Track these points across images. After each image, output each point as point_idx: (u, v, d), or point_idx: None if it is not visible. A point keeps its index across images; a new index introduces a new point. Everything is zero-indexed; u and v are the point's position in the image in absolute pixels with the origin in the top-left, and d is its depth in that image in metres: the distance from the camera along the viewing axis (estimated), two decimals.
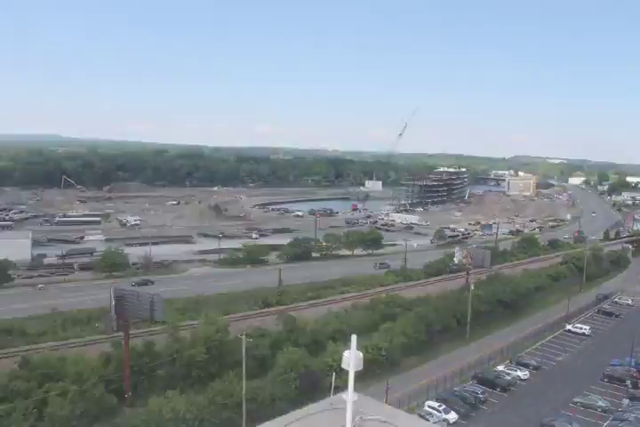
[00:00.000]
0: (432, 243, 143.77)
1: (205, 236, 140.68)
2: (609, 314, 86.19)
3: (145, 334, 55.73)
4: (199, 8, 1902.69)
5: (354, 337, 5.48)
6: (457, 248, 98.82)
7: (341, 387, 5.20)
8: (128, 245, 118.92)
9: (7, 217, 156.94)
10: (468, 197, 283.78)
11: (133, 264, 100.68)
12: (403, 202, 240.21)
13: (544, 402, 53.19)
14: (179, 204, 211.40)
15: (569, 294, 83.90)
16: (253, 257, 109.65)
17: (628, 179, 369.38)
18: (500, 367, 61.76)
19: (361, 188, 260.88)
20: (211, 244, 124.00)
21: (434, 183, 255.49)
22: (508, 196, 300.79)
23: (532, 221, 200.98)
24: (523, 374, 60.47)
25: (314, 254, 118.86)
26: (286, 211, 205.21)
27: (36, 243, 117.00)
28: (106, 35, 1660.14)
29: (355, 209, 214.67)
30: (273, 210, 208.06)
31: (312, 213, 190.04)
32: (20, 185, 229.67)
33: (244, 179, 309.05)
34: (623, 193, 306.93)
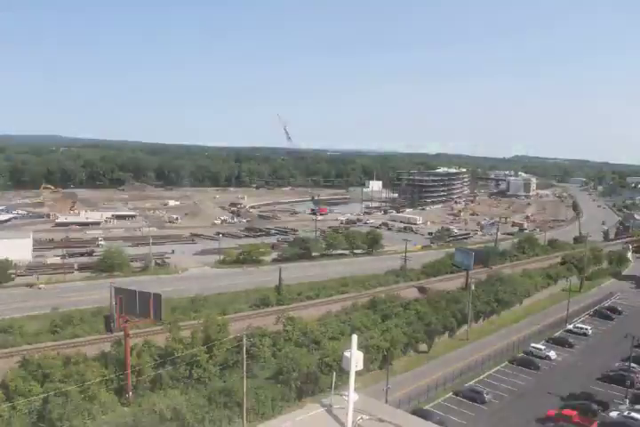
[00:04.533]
0: (432, 243, 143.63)
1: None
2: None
3: (145, 334, 55.73)
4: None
5: (354, 337, 5.52)
6: (457, 248, 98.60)
7: (341, 387, 5.22)
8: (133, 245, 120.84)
9: None
10: (468, 197, 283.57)
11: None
12: (402, 202, 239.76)
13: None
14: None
15: (569, 294, 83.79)
16: (253, 257, 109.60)
17: (628, 179, 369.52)
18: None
19: (364, 189, 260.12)
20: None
21: (434, 183, 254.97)
22: (508, 196, 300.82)
23: (532, 221, 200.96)
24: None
25: (314, 254, 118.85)
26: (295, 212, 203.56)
27: (37, 243, 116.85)
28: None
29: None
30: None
31: (312, 213, 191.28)
32: (19, 185, 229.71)
33: (245, 179, 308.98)
34: (623, 193, 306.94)
